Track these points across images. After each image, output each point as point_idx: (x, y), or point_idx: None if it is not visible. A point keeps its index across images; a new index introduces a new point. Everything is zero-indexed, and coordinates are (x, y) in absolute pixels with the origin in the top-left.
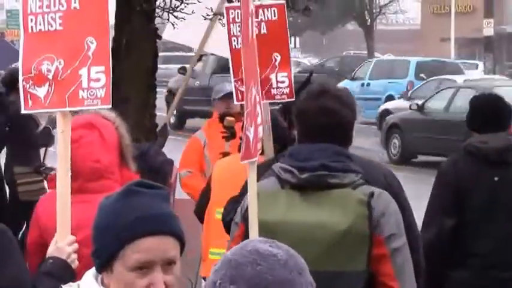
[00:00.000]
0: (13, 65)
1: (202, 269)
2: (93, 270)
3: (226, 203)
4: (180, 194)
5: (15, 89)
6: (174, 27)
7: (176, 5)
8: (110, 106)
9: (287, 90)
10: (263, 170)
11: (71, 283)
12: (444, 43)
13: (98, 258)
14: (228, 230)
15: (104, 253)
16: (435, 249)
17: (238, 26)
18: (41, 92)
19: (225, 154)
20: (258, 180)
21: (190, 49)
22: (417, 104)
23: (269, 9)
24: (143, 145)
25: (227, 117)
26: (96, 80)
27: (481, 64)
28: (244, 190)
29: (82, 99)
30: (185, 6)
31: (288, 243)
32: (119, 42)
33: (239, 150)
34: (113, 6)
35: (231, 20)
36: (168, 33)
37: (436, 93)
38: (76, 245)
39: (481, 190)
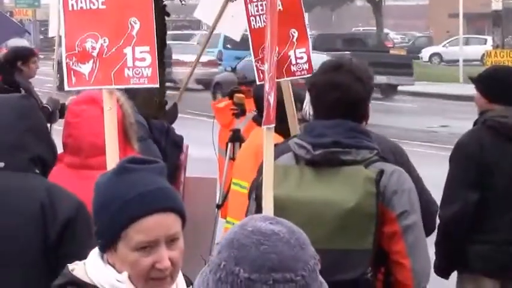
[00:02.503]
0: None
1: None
2: (97, 249)
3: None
4: (191, 171)
5: (16, 68)
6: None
7: None
8: (158, 85)
9: (306, 66)
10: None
11: (77, 261)
12: (453, 18)
13: (100, 239)
14: None
15: (105, 234)
16: (458, 224)
17: (256, 6)
18: (85, 69)
19: (235, 131)
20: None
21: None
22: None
23: None
24: (164, 122)
25: (236, 94)
26: (141, 59)
27: (489, 39)
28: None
29: (128, 78)
30: None
31: (296, 220)
32: None
33: (254, 122)
34: None
35: (248, 0)
36: (198, 13)
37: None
38: None
39: (504, 165)
